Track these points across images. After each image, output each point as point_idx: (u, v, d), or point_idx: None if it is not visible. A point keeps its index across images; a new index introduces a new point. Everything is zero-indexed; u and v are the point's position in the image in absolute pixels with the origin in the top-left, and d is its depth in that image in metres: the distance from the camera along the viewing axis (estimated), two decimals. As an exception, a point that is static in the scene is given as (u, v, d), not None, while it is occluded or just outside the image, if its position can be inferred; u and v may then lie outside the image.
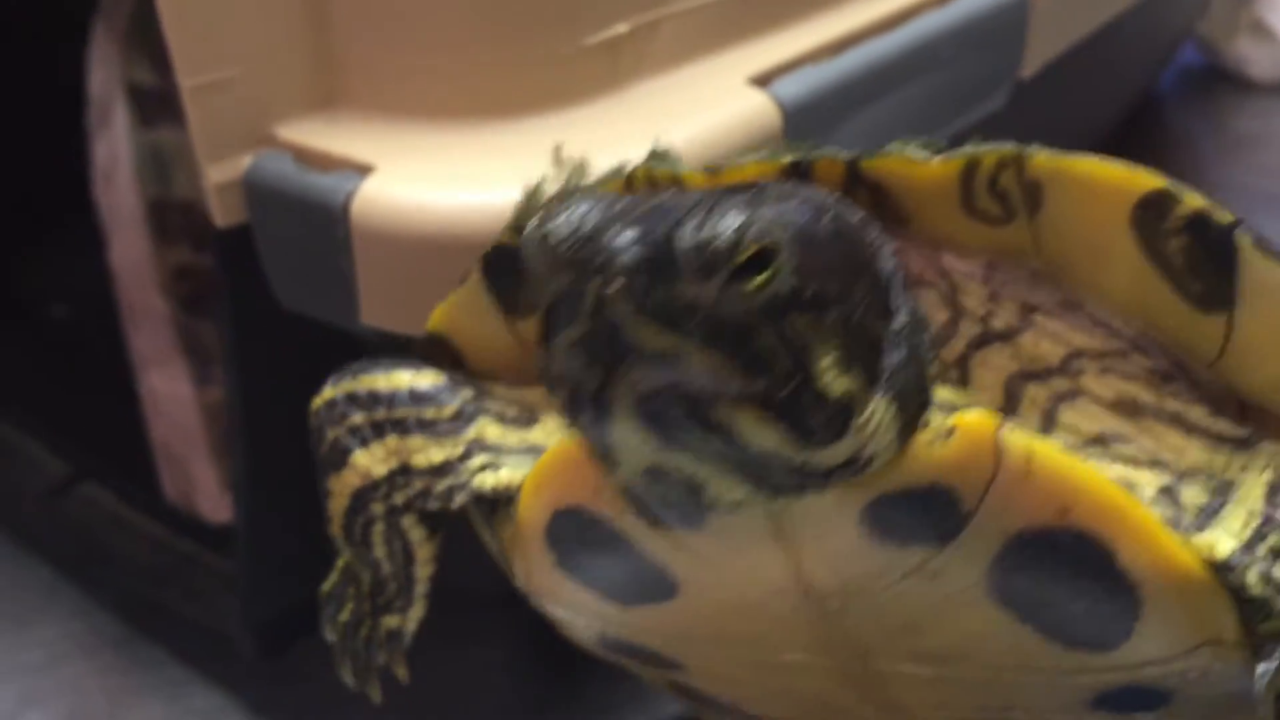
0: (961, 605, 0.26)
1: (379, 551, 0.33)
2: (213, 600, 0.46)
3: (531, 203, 0.31)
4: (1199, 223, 0.26)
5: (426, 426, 0.32)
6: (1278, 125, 0.79)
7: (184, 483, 0.51)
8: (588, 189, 0.23)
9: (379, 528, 0.33)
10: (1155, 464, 0.27)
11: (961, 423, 0.25)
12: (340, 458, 0.32)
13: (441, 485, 0.32)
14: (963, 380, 0.28)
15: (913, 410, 0.25)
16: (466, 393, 0.32)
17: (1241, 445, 0.27)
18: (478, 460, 0.31)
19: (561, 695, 0.45)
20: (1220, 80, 0.83)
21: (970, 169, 0.27)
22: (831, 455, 0.24)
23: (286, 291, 0.36)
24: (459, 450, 0.31)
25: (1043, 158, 0.26)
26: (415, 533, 0.33)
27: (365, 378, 0.32)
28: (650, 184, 0.29)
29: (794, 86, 0.37)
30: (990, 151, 0.27)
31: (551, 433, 0.31)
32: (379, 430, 0.32)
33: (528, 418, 0.32)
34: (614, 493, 0.26)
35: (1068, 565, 0.25)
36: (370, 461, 0.32)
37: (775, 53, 0.38)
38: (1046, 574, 0.25)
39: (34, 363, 0.56)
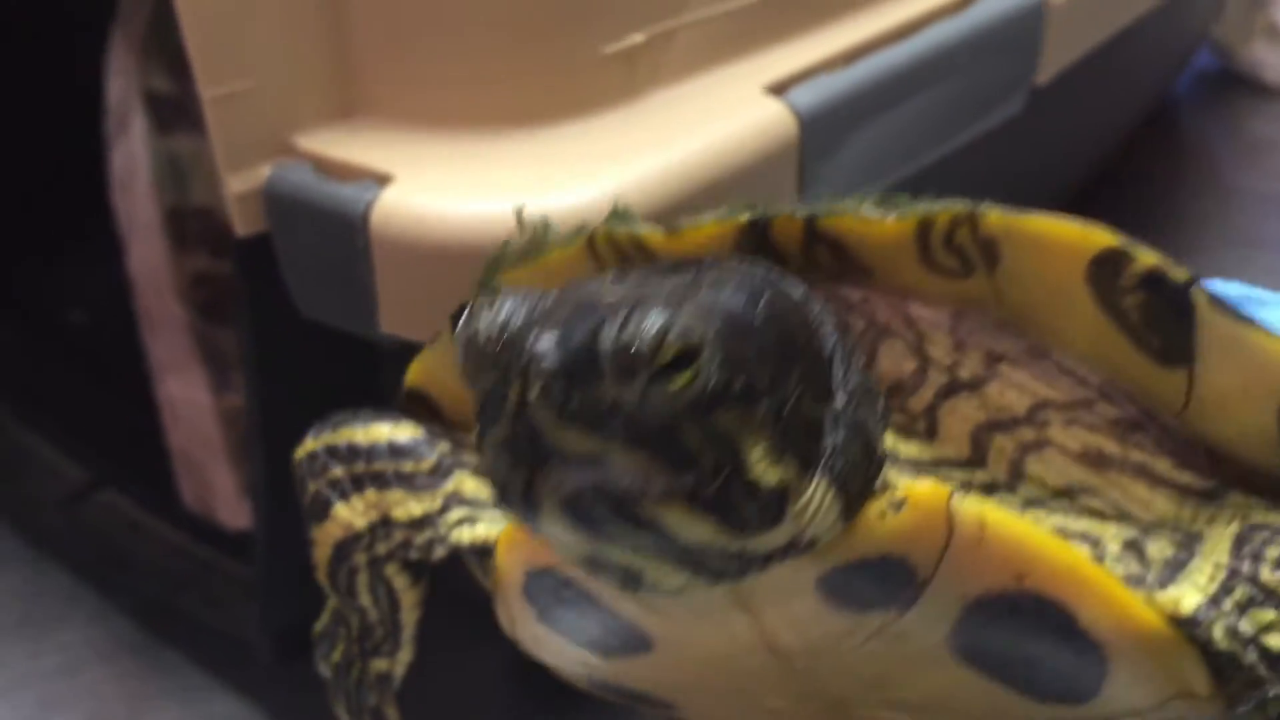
0: (929, 663, 0.27)
1: (364, 599, 0.34)
2: (231, 606, 0.46)
3: (496, 263, 0.31)
4: (1154, 280, 0.26)
5: (405, 480, 0.32)
6: (1293, 129, 0.78)
7: (202, 489, 0.51)
8: (515, 287, 0.23)
9: (363, 577, 0.33)
10: (1121, 517, 0.27)
11: (912, 493, 0.25)
12: (322, 509, 0.33)
13: (421, 538, 0.32)
14: (930, 430, 0.28)
15: (857, 488, 0.25)
16: (444, 446, 0.32)
17: (1208, 497, 0.27)
18: (456, 514, 0.32)
19: (563, 704, 0.46)
20: (1235, 84, 0.82)
21: (925, 227, 0.27)
22: (769, 541, 0.24)
23: (306, 300, 0.36)
24: (437, 504, 0.32)
25: (995, 216, 0.26)
26: (399, 580, 0.33)
27: (345, 430, 0.33)
28: (611, 244, 0.29)
29: (810, 95, 0.37)
30: (943, 210, 0.26)
31: None
32: (358, 483, 0.32)
33: None
34: None
35: (1030, 627, 0.25)
36: (351, 514, 0.32)
37: (791, 61, 0.38)
38: (1010, 635, 0.26)
39: (53, 369, 0.57)
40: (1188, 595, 0.26)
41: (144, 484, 0.50)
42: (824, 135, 0.38)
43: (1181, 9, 0.60)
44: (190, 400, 0.52)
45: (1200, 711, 0.27)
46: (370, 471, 0.32)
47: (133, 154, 0.52)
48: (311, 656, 0.45)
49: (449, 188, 0.34)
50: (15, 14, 0.56)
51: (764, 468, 0.23)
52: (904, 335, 0.28)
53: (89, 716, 0.46)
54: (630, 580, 0.24)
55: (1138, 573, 0.26)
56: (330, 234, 0.34)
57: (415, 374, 0.33)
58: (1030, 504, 0.27)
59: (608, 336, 0.21)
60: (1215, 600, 0.25)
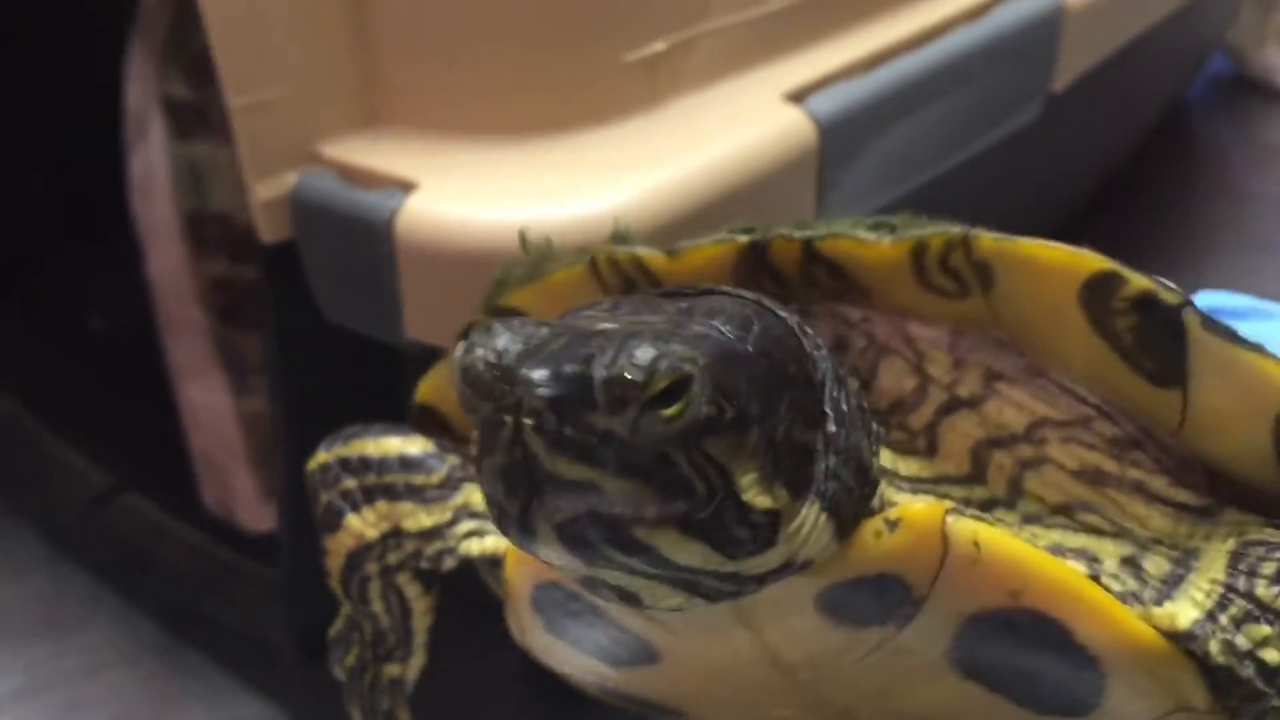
0: (929, 677, 0.27)
1: (376, 607, 0.35)
2: (253, 608, 0.47)
3: (500, 286, 0.31)
4: (1146, 303, 0.26)
5: (416, 492, 0.33)
6: (1308, 134, 0.79)
7: (223, 492, 0.51)
8: (512, 321, 0.23)
9: (375, 585, 0.34)
10: (1119, 533, 0.28)
11: (907, 513, 0.25)
12: (334, 520, 0.33)
13: (432, 548, 0.33)
14: (930, 448, 0.28)
15: (850, 510, 0.25)
16: (454, 460, 0.33)
17: (1204, 514, 0.27)
18: (465, 526, 0.32)
19: (573, 708, 0.46)
20: (1249, 90, 0.82)
21: (919, 250, 0.27)
22: (762, 563, 0.24)
23: (331, 305, 0.36)
24: (447, 516, 0.32)
25: (988, 240, 0.26)
26: (411, 589, 0.34)
27: (356, 443, 0.33)
28: (612, 266, 0.29)
29: (829, 102, 0.38)
30: (937, 234, 0.27)
31: None
32: (370, 495, 0.33)
33: None
34: None
35: (1027, 643, 0.26)
36: (363, 525, 0.33)
37: (809, 69, 0.39)
38: (1008, 650, 0.26)
39: (75, 374, 0.57)
40: (1184, 611, 0.26)
41: (166, 487, 0.51)
42: (843, 142, 0.38)
43: (1195, 15, 0.60)
44: (210, 404, 0.53)
45: None
46: (381, 484, 0.33)
47: (151, 160, 0.53)
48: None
49: (473, 195, 0.34)
50: (37, 17, 0.56)
51: (756, 493, 0.23)
52: (904, 353, 0.29)
53: (114, 717, 0.46)
54: (628, 599, 0.24)
55: (1135, 588, 0.26)
56: (356, 240, 0.34)
57: (426, 390, 0.33)
58: (1029, 520, 0.28)
59: (599, 368, 0.22)
60: (1211, 615, 0.26)
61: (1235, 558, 0.26)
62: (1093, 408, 0.28)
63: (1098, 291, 0.26)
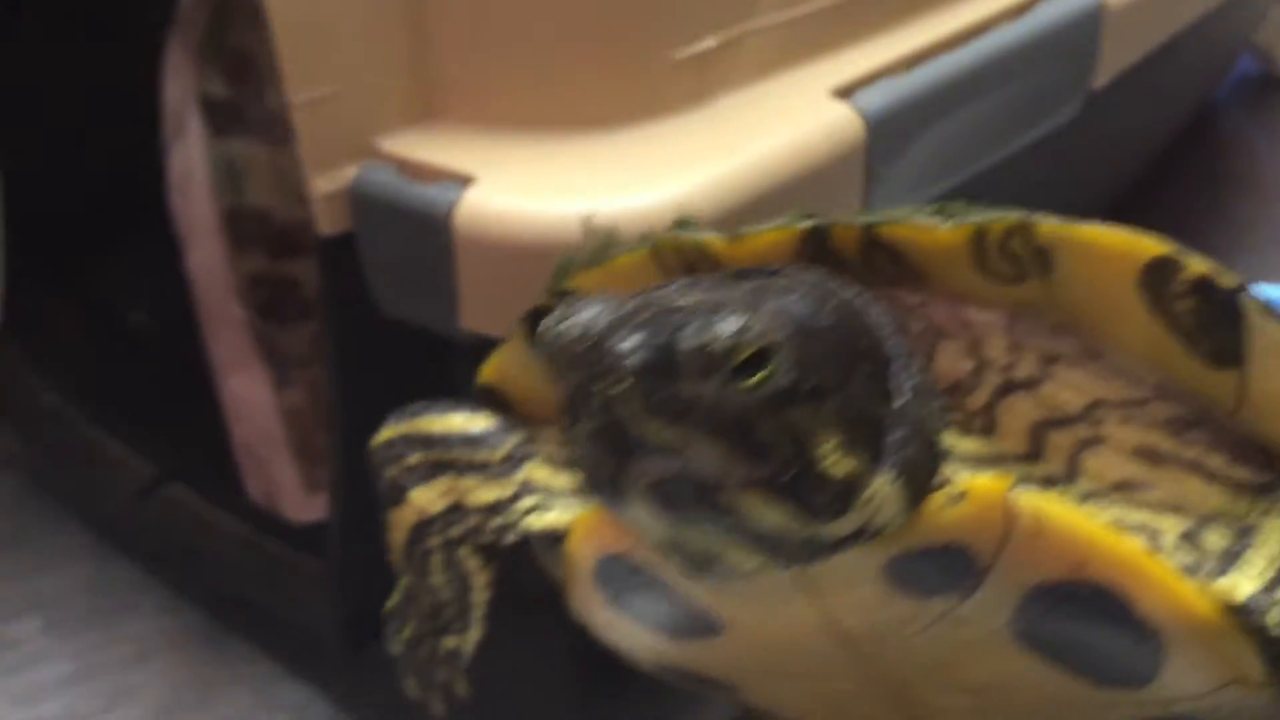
0: (991, 648, 0.27)
1: (437, 579, 0.35)
2: (298, 597, 0.47)
3: (564, 270, 0.32)
4: (1204, 286, 0.27)
5: (479, 468, 0.33)
6: (1334, 134, 0.79)
7: (267, 484, 0.52)
8: (596, 296, 0.24)
9: (436, 559, 0.35)
10: (1177, 509, 0.28)
11: (972, 486, 0.26)
12: (398, 494, 0.34)
13: (494, 523, 0.33)
14: (988, 428, 0.29)
15: (920, 480, 0.26)
16: (517, 436, 0.33)
17: (1263, 491, 0.28)
18: (527, 501, 0.33)
19: (622, 688, 0.46)
20: (1276, 89, 0.83)
21: (979, 236, 0.28)
22: (838, 529, 0.25)
23: (387, 297, 0.37)
24: (510, 491, 0.33)
25: (1048, 226, 0.27)
26: (471, 563, 0.35)
27: (421, 420, 0.34)
28: (675, 251, 0.30)
29: (876, 98, 0.38)
30: (997, 220, 0.27)
31: None
32: (434, 470, 0.34)
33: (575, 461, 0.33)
34: None
35: (1088, 614, 0.26)
36: (426, 499, 0.34)
37: (856, 65, 0.39)
38: (1068, 622, 0.26)
39: (119, 368, 0.58)
40: (1242, 584, 0.26)
41: (210, 479, 0.51)
42: (890, 138, 0.38)
43: (1227, 15, 0.60)
44: (252, 397, 0.53)
45: (1255, 697, 0.27)
46: (446, 459, 0.33)
47: (190, 157, 0.53)
48: (378, 645, 0.46)
49: (530, 188, 0.35)
50: (81, 13, 0.57)
51: (833, 460, 0.24)
52: (961, 337, 0.29)
53: (161, 703, 0.47)
54: (707, 563, 0.25)
55: (1193, 563, 0.27)
56: (414, 233, 0.35)
57: (489, 371, 0.34)
58: (1087, 498, 0.28)
59: (687, 338, 0.23)
60: (1269, 589, 0.26)
61: None
62: (1150, 389, 0.28)
63: (1157, 275, 0.27)
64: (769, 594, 0.27)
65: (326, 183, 0.36)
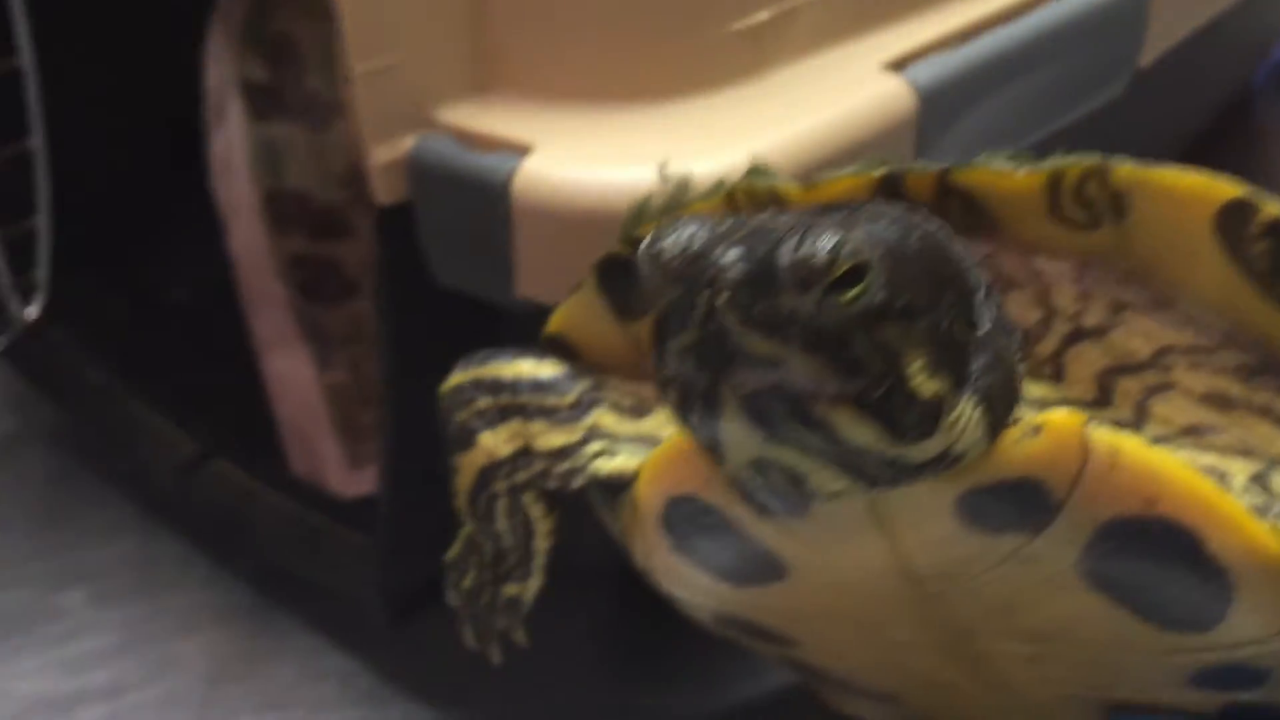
0: (1058, 588, 0.28)
1: (501, 525, 0.35)
2: (342, 570, 0.48)
3: (639, 217, 0.32)
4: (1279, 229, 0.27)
5: (548, 413, 0.34)
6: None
7: (311, 459, 0.52)
8: (693, 210, 0.25)
9: (502, 503, 0.35)
10: (1246, 453, 0.28)
11: (1049, 420, 0.26)
12: (467, 438, 0.35)
13: (561, 468, 0.34)
14: (1057, 375, 0.29)
15: (1001, 410, 0.26)
16: (584, 383, 0.34)
17: None
18: (594, 446, 0.33)
19: (669, 663, 0.47)
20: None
21: (1055, 180, 0.28)
22: (923, 451, 0.25)
23: (444, 267, 0.37)
24: (577, 436, 0.33)
25: (1126, 169, 0.27)
26: (535, 509, 0.35)
27: (491, 365, 0.34)
28: (750, 197, 0.30)
29: (928, 72, 0.39)
30: (1074, 163, 0.28)
31: (663, 423, 0.33)
32: (504, 414, 0.34)
33: (641, 409, 0.34)
34: (724, 483, 0.28)
35: (1158, 552, 0.26)
36: (495, 442, 0.34)
37: (908, 39, 0.39)
38: (1138, 559, 0.27)
39: (163, 346, 0.58)
40: None
41: (254, 454, 0.52)
42: (941, 112, 0.39)
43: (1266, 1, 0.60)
44: (295, 375, 0.54)
45: None
46: (515, 403, 0.34)
47: (230, 140, 0.54)
48: (421, 619, 0.46)
49: (587, 157, 0.35)
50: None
51: (922, 380, 0.24)
52: (1030, 286, 0.30)
53: (207, 674, 0.47)
54: (793, 484, 0.25)
55: (1263, 504, 0.27)
56: (472, 201, 0.35)
57: (557, 321, 0.34)
58: (1157, 441, 0.28)
59: (787, 252, 0.23)
60: None
61: None
62: (1219, 336, 0.28)
63: (1233, 218, 0.27)
64: (839, 531, 0.28)
65: (385, 153, 0.36)
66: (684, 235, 0.24)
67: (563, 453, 0.33)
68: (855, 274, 0.23)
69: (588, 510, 0.34)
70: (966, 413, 0.25)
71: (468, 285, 0.37)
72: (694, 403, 0.24)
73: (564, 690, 0.46)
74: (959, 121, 0.39)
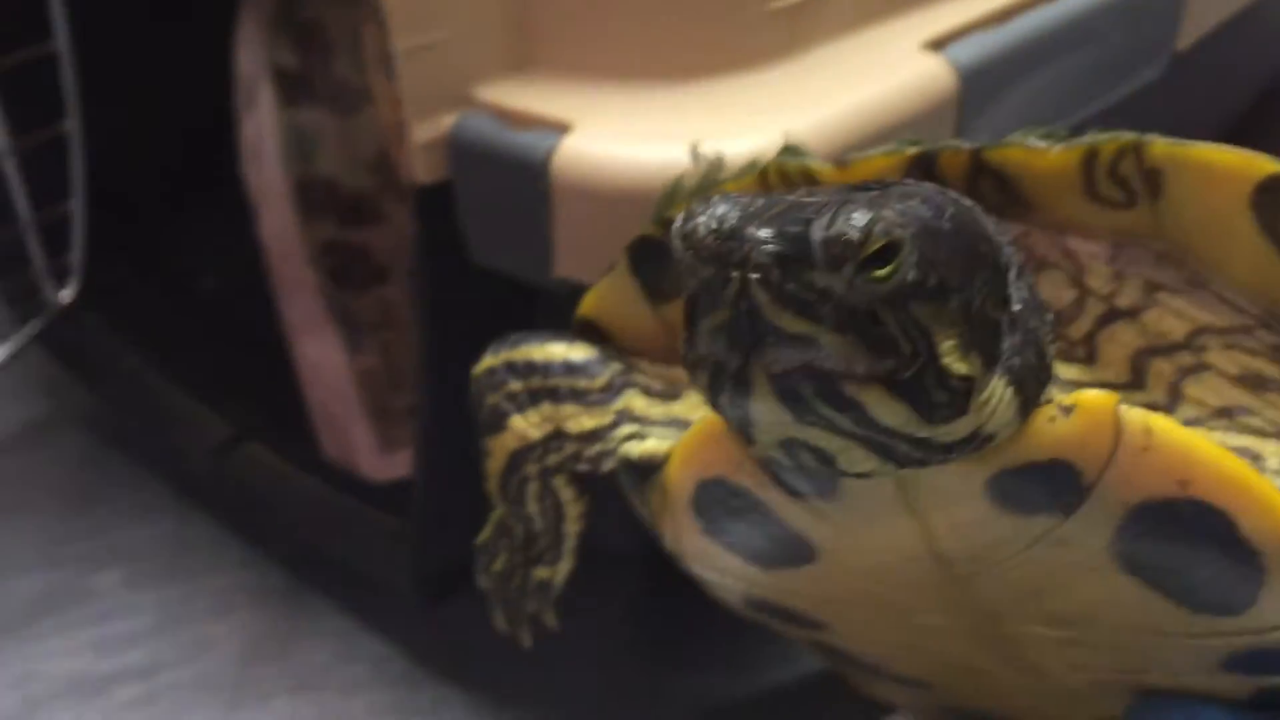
0: (1089, 571, 0.27)
1: (532, 508, 0.36)
2: (375, 553, 0.48)
3: (671, 197, 0.32)
4: None
5: (579, 396, 0.34)
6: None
7: (342, 443, 0.53)
8: (725, 190, 0.25)
9: (533, 487, 0.35)
10: None
11: (1081, 400, 0.26)
12: (499, 421, 0.35)
13: (592, 450, 0.34)
14: (1090, 357, 0.29)
15: (1032, 390, 0.26)
16: (615, 366, 0.34)
17: None
18: (625, 429, 0.33)
19: (700, 648, 0.47)
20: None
21: (1090, 157, 0.28)
22: (953, 431, 0.25)
23: (482, 246, 0.37)
24: (608, 419, 0.33)
25: (1161, 145, 0.27)
26: (566, 492, 0.35)
27: (523, 349, 0.34)
28: (783, 177, 0.30)
29: (968, 51, 0.38)
30: (1109, 140, 0.27)
31: (693, 406, 0.33)
32: (535, 397, 0.34)
33: (671, 392, 0.34)
34: (754, 465, 0.28)
35: (1190, 534, 0.26)
36: (526, 425, 0.34)
37: (948, 18, 0.39)
38: (1170, 542, 0.26)
39: (196, 331, 0.59)
40: None
41: (287, 437, 0.52)
42: (981, 91, 0.38)
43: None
44: (326, 360, 0.54)
45: None
46: (546, 386, 0.34)
47: (261, 126, 0.54)
48: (453, 601, 0.46)
49: (626, 135, 0.35)
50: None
51: (953, 359, 0.24)
52: (1063, 267, 0.29)
53: (241, 655, 0.47)
54: (823, 463, 0.25)
55: None
56: (512, 179, 0.35)
57: (589, 304, 0.34)
58: (1190, 423, 0.28)
59: (819, 230, 0.23)
60: None
61: None
62: (1254, 317, 0.28)
63: (1269, 195, 0.27)
64: (869, 514, 0.27)
65: (425, 131, 0.36)
66: (716, 214, 0.24)
67: (594, 435, 0.33)
68: (888, 252, 0.23)
69: (618, 494, 0.34)
70: (998, 393, 0.25)
71: (505, 265, 0.37)
72: (724, 383, 0.24)
73: (594, 674, 0.46)
74: (998, 102, 0.39)
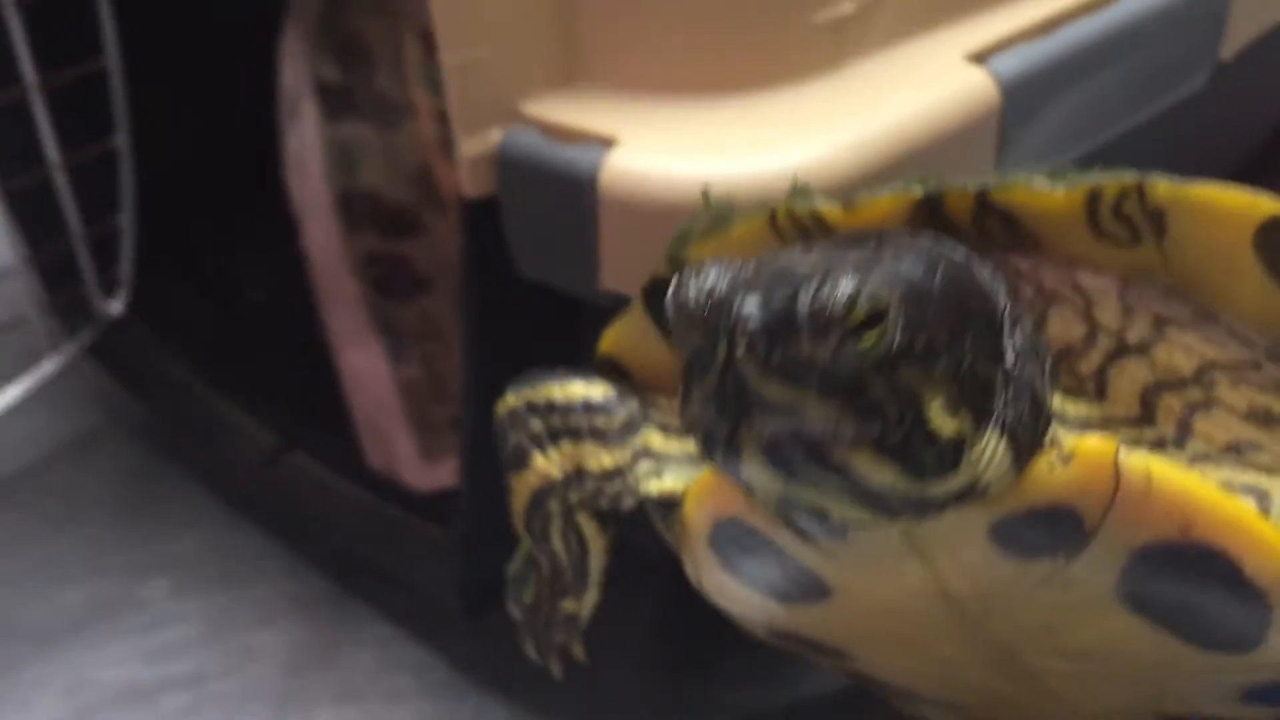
0: (1097, 610, 0.28)
1: (556, 544, 0.36)
2: (419, 562, 0.48)
3: (683, 239, 0.33)
4: None
5: (598, 434, 0.34)
6: None
7: (386, 453, 0.53)
8: (717, 258, 0.25)
9: (556, 523, 0.36)
10: None
11: (1080, 447, 0.26)
12: (521, 459, 0.35)
13: (612, 488, 0.34)
14: (1100, 392, 0.29)
15: (1028, 440, 0.26)
16: (633, 404, 0.34)
17: None
18: (644, 467, 0.34)
19: (734, 660, 0.47)
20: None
21: (1094, 198, 0.28)
22: (946, 487, 0.25)
23: (528, 259, 0.38)
24: (627, 457, 0.34)
25: (1163, 187, 0.27)
26: (589, 528, 0.36)
27: (543, 387, 0.35)
28: (792, 220, 0.30)
29: (1011, 63, 0.38)
30: (1111, 182, 0.28)
31: None
32: (555, 436, 0.35)
33: None
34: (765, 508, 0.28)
35: (1195, 576, 0.26)
36: (548, 465, 0.35)
37: (991, 30, 0.39)
38: (1175, 584, 0.27)
39: (241, 342, 0.59)
40: None
41: (331, 447, 0.53)
42: (1024, 104, 0.38)
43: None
44: (369, 370, 0.55)
45: None
46: (566, 426, 0.35)
47: (305, 139, 0.55)
48: (496, 611, 0.47)
49: (672, 149, 0.35)
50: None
51: (942, 419, 0.24)
52: (1073, 301, 0.29)
53: (286, 663, 0.48)
54: (818, 517, 0.26)
55: None
56: (558, 194, 0.36)
57: (608, 342, 0.35)
58: (1198, 459, 0.28)
59: (805, 299, 0.23)
60: None
61: None
62: (1262, 352, 0.28)
63: (1272, 235, 0.27)
64: (877, 556, 0.28)
65: (473, 145, 0.36)
66: (706, 282, 0.24)
67: (613, 473, 0.34)
68: (873, 318, 0.24)
69: (646, 515, 0.34)
70: (990, 447, 0.25)
71: (552, 278, 0.38)
72: (716, 447, 0.25)
73: (635, 684, 0.46)
74: (1041, 114, 0.39)
